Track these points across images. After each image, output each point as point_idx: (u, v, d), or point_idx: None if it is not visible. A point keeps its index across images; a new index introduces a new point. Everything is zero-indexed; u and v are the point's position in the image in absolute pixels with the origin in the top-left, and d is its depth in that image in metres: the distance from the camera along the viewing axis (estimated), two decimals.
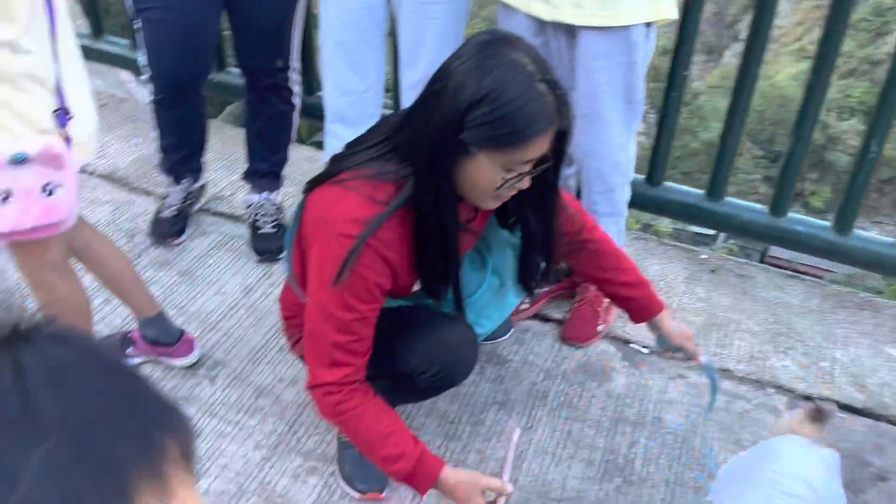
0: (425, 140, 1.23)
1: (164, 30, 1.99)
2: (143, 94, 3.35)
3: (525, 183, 1.28)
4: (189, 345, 1.95)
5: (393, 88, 2.39)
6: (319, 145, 3.44)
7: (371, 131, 1.38)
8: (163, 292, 2.16)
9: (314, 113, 2.72)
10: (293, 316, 1.61)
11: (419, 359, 1.42)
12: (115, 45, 2.91)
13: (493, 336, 2.01)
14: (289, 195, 2.54)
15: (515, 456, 1.36)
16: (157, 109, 2.18)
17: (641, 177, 2.36)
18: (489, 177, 1.23)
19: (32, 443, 0.41)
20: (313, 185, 1.37)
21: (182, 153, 2.31)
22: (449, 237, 1.31)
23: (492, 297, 1.59)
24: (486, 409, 1.90)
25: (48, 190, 1.34)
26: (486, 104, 1.16)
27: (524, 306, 2.06)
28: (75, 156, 1.39)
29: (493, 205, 1.33)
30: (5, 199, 1.32)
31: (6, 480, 0.40)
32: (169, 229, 2.34)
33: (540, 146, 1.22)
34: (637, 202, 2.21)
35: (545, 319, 2.16)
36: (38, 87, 1.32)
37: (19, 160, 1.29)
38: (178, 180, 2.35)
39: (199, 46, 2.06)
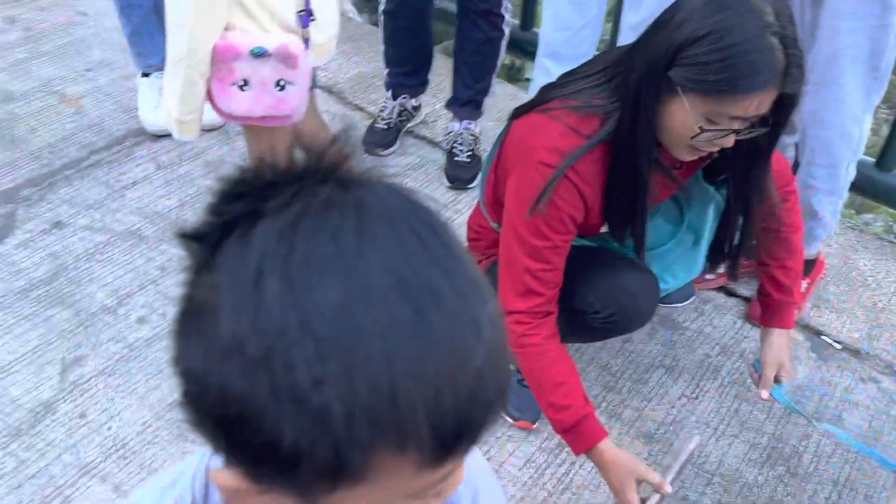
0: (636, 72, 1.18)
1: None
2: (355, 13, 3.52)
3: (728, 141, 1.19)
4: None
5: (612, 29, 2.32)
6: (521, 85, 3.45)
7: (588, 63, 1.35)
8: None
9: (522, 48, 2.71)
10: (477, 239, 1.65)
11: (596, 297, 1.40)
12: None
13: (672, 300, 1.94)
14: (486, 129, 2.57)
15: (684, 463, 1.28)
16: (387, 20, 2.28)
17: (871, 159, 2.14)
18: (686, 122, 1.16)
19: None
20: (520, 112, 1.37)
21: (405, 68, 2.40)
22: (640, 179, 1.26)
23: (682, 253, 1.52)
24: (650, 370, 1.85)
25: (281, 84, 1.45)
26: (705, 43, 1.09)
27: (710, 276, 1.96)
28: (311, 57, 1.48)
29: (687, 156, 1.26)
30: (243, 86, 1.44)
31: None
32: (380, 140, 2.46)
33: (753, 104, 1.12)
34: (859, 187, 2.01)
35: (730, 294, 2.05)
36: None
37: (258, 54, 1.40)
38: (395, 96, 2.45)
39: None
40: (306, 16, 1.44)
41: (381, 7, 2.28)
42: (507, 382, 0.46)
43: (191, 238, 0.44)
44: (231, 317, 0.40)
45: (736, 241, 1.48)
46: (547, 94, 1.33)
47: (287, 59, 1.41)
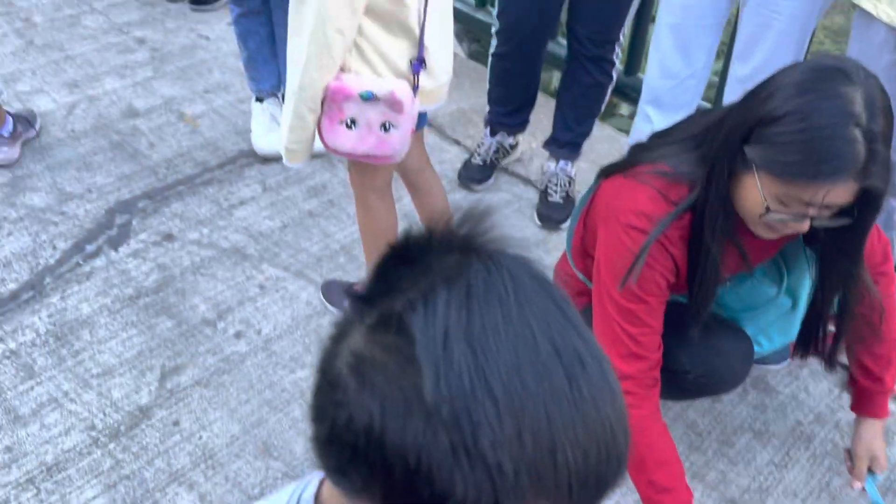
0: (717, 143, 1.17)
1: None
2: (459, 46, 3.58)
3: (802, 226, 1.15)
4: None
5: (719, 80, 2.29)
6: (617, 125, 3.42)
7: (680, 126, 1.34)
8: None
9: (624, 92, 2.71)
10: (564, 286, 1.64)
11: (688, 357, 1.38)
12: (464, 3, 3.11)
13: (766, 360, 1.88)
14: (580, 171, 2.57)
15: None
16: (496, 62, 2.33)
17: None
18: (756, 199, 1.13)
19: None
20: (609, 172, 1.37)
21: (507, 108, 2.44)
22: (709, 250, 1.23)
23: (778, 317, 1.48)
24: (738, 433, 1.79)
25: (386, 126, 1.50)
26: (783, 123, 1.06)
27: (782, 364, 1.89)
28: (418, 103, 1.53)
29: (765, 233, 1.22)
30: (350, 124, 1.50)
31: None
32: (475, 175, 2.50)
33: (823, 193, 1.07)
34: None
35: None
36: (403, 35, 1.47)
37: (367, 98, 1.46)
38: (493, 133, 2.49)
39: (547, 10, 2.15)
40: (418, 63, 1.49)
41: (492, 49, 2.32)
42: (629, 443, 0.49)
43: (363, 301, 0.49)
44: (430, 380, 0.44)
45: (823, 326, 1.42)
46: (636, 156, 1.33)
47: (394, 104, 1.47)
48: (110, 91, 2.80)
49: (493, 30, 2.29)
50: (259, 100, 2.55)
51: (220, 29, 3.20)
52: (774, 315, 1.47)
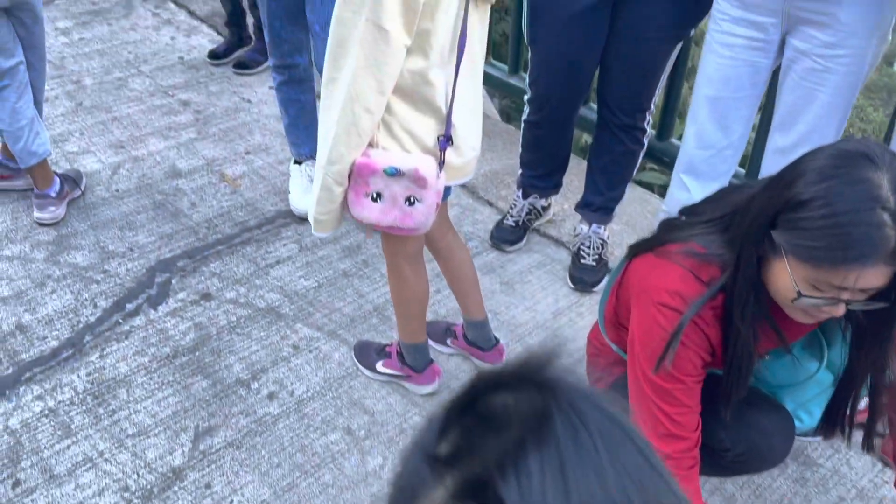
0: (745, 226, 1.17)
1: (550, 59, 2.15)
2: (493, 108, 3.64)
3: (837, 310, 1.13)
4: (433, 374, 1.99)
5: (753, 148, 2.30)
6: (648, 186, 3.43)
7: (709, 204, 1.34)
8: (484, 295, 2.32)
9: (657, 157, 2.73)
10: (597, 355, 1.64)
11: (728, 435, 1.36)
12: (497, 69, 3.18)
13: (807, 433, 1.83)
14: (614, 232, 2.58)
15: None
16: (528, 128, 2.37)
17: None
18: (787, 285, 1.13)
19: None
20: (640, 248, 1.38)
21: (538, 171, 2.47)
22: (741, 333, 1.22)
23: (819, 392, 1.45)
24: None
25: (411, 200, 1.53)
26: (809, 208, 1.05)
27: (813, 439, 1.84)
28: (444, 178, 1.56)
29: (801, 318, 1.20)
30: (376, 197, 1.53)
31: None
32: (507, 237, 2.52)
33: (853, 277, 1.06)
34: None
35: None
36: (431, 113, 1.50)
37: (391, 173, 1.49)
38: (526, 195, 2.52)
39: (578, 80, 2.19)
40: (444, 140, 1.52)
41: (524, 116, 2.37)
42: None
43: (439, 461, 0.45)
44: None
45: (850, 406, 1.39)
46: (666, 234, 1.34)
47: (418, 179, 1.49)
48: (154, 152, 2.89)
49: (526, 98, 2.33)
50: (298, 162, 2.62)
51: (262, 92, 3.31)
52: (815, 390, 1.45)
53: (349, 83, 1.41)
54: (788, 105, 1.82)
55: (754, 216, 1.15)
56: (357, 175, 1.51)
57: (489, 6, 1.55)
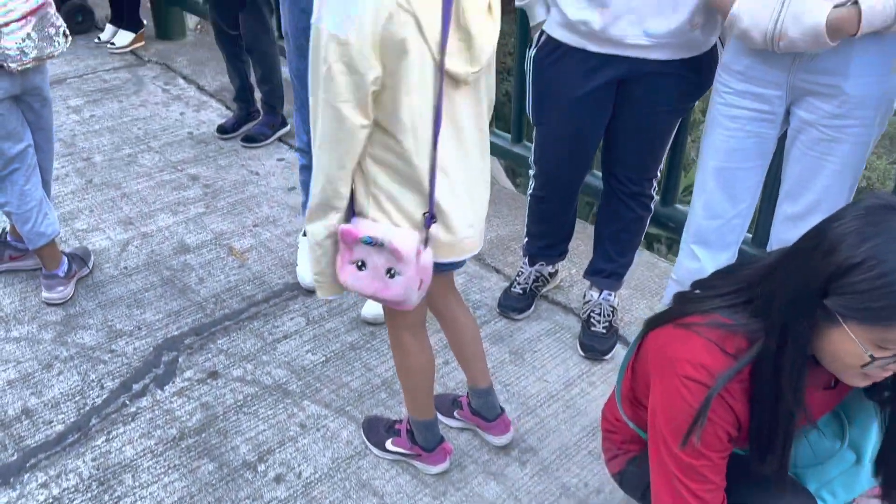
0: (784, 299, 1.15)
1: (555, 139, 2.17)
2: (504, 180, 3.66)
3: None
4: (444, 453, 1.96)
5: (756, 216, 2.29)
6: (655, 238, 3.41)
7: (722, 279, 1.33)
8: (493, 366, 2.30)
9: (662, 222, 2.72)
10: (613, 431, 1.61)
11: None
12: (500, 137, 3.21)
13: None
14: (623, 297, 2.56)
15: None
16: (535, 202, 2.38)
17: None
18: (855, 351, 1.11)
19: None
20: (656, 322, 1.36)
21: (544, 242, 2.47)
22: (783, 407, 1.20)
23: (842, 472, 1.40)
24: None
25: (391, 272, 1.52)
26: (861, 271, 1.05)
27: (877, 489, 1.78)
28: (429, 254, 1.54)
29: (860, 382, 1.18)
30: (360, 265, 1.53)
31: None
32: (515, 304, 2.50)
33: None
34: None
35: None
36: (415, 190, 1.50)
37: (367, 242, 1.49)
38: (532, 262, 2.51)
39: (582, 155, 2.20)
40: (429, 218, 1.52)
41: (530, 190, 2.37)
42: None
43: None
44: None
45: None
46: (683, 307, 1.32)
47: (394, 252, 1.49)
48: (163, 227, 2.91)
49: (531, 172, 2.34)
50: (305, 234, 2.63)
51: (269, 164, 3.35)
52: (838, 469, 1.40)
53: (317, 154, 1.45)
54: (796, 175, 1.82)
55: (797, 288, 1.13)
56: (342, 241, 1.52)
57: (480, 85, 1.54)
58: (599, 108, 2.06)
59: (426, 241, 1.53)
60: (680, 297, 1.36)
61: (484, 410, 2.01)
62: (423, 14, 1.33)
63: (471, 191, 1.59)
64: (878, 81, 1.69)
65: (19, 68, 2.15)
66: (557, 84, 2.05)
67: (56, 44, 2.24)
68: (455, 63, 1.41)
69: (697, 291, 1.34)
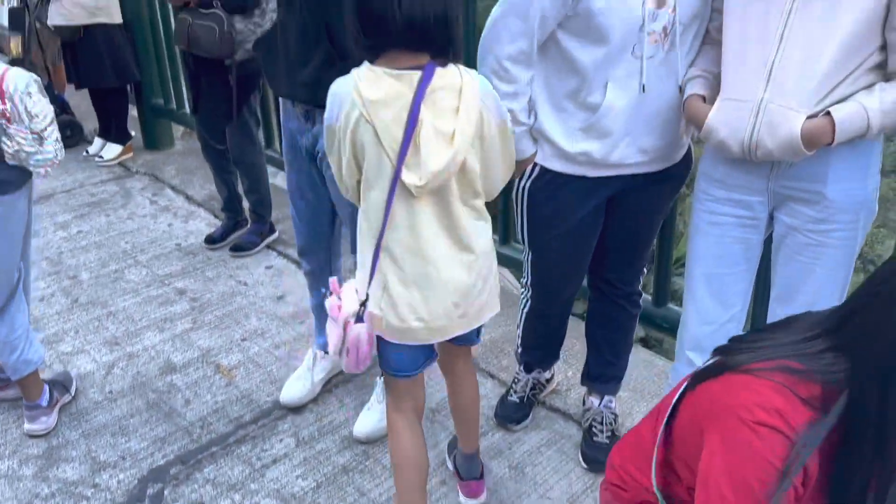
0: (883, 344, 1.08)
1: (551, 264, 2.13)
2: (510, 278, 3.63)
3: None
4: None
5: (751, 316, 2.26)
6: (645, 345, 3.35)
7: (785, 328, 1.25)
8: (493, 484, 2.21)
9: (657, 323, 2.69)
10: (623, 489, 1.47)
11: None
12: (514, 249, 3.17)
13: None
14: (622, 400, 2.49)
15: None
16: (529, 320, 2.33)
17: None
18: None
19: None
20: (702, 377, 1.27)
21: (539, 353, 2.42)
22: (886, 463, 1.09)
23: None
24: None
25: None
26: None
27: None
28: (362, 329, 1.66)
29: None
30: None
31: None
32: (512, 414, 2.43)
33: None
34: None
35: None
36: (363, 269, 1.69)
37: (322, 290, 1.75)
38: (528, 370, 2.45)
39: (579, 271, 2.18)
40: (364, 293, 1.68)
41: (525, 308, 2.31)
42: None
43: None
44: None
45: None
46: (732, 357, 1.23)
47: (330, 308, 1.69)
48: (149, 346, 2.85)
49: (525, 281, 2.28)
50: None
51: (258, 273, 3.32)
52: None
53: None
54: (785, 279, 1.79)
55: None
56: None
57: (448, 196, 1.62)
58: (594, 227, 2.05)
59: (360, 317, 1.66)
60: (727, 350, 1.29)
61: (463, 470, 2.13)
62: (381, 126, 1.53)
63: (430, 289, 1.65)
64: (860, 186, 1.69)
65: (50, 172, 2.13)
66: (553, 213, 2.01)
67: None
68: (408, 175, 1.55)
69: (749, 344, 1.26)
